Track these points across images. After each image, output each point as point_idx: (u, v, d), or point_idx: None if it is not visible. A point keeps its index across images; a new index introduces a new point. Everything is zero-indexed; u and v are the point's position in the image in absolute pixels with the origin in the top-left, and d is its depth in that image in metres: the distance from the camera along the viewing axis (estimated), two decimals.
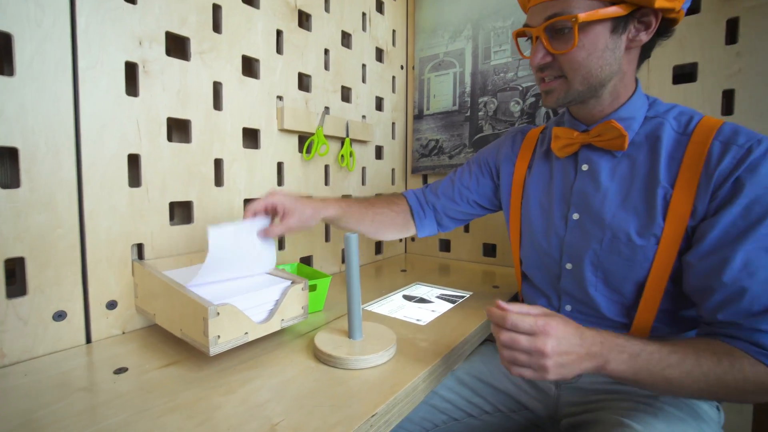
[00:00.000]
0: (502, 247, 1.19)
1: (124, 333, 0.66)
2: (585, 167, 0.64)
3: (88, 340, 0.62)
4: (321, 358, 0.57)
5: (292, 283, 0.64)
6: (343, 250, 1.10)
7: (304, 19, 0.98)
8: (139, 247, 0.68)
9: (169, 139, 0.71)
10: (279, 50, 0.90)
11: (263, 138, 0.87)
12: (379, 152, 1.26)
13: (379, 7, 1.22)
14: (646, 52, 0.60)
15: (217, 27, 0.77)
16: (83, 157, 0.60)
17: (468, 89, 1.19)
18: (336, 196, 1.07)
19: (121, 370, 0.54)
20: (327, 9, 1.02)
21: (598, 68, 0.57)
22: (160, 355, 0.59)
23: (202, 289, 0.60)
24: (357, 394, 0.48)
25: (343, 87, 1.09)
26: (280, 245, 0.93)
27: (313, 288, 0.75)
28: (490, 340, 0.80)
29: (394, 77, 1.29)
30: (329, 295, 0.85)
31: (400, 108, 1.33)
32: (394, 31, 1.28)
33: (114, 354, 0.59)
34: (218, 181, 0.79)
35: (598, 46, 0.55)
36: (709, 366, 0.47)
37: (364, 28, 1.15)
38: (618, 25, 0.55)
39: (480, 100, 1.17)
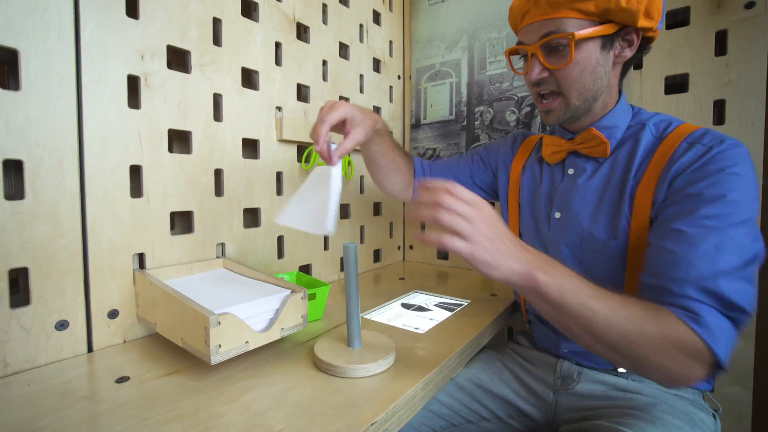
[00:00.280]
0: None
1: (125, 342, 0.67)
2: (571, 171, 0.68)
3: (90, 349, 0.63)
4: (320, 366, 0.58)
5: (291, 292, 0.65)
6: (341, 259, 1.11)
7: (302, 31, 0.99)
8: (141, 257, 0.69)
9: (170, 150, 0.72)
10: (278, 62, 0.92)
11: (262, 148, 0.88)
12: None
13: (376, 19, 1.24)
14: (627, 67, 0.65)
15: (217, 40, 0.79)
16: (86, 169, 0.61)
17: (464, 99, 1.21)
18: None
19: (122, 379, 0.54)
20: (325, 21, 1.04)
21: (590, 82, 0.61)
22: (161, 363, 0.59)
23: (202, 297, 0.61)
24: (356, 402, 0.49)
25: (341, 97, 1.10)
26: (279, 254, 0.94)
27: (312, 297, 0.76)
28: (489, 346, 0.80)
29: (391, 87, 1.31)
30: (328, 303, 0.86)
31: (398, 117, 1.35)
32: (391, 41, 1.30)
33: (115, 363, 0.59)
34: (218, 190, 0.80)
35: (590, 61, 0.59)
36: (635, 311, 0.46)
37: (361, 40, 1.17)
38: (607, 42, 0.59)
39: (476, 109, 1.19)
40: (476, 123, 1.19)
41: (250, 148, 0.88)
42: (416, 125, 1.32)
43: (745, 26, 0.82)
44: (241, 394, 0.50)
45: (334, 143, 0.65)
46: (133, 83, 0.67)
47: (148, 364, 0.59)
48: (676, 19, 0.91)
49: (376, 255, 1.28)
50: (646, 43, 0.62)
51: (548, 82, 0.62)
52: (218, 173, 0.80)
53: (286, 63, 0.93)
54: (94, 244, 0.62)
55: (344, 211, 1.14)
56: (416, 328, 0.74)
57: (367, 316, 0.80)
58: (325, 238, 1.07)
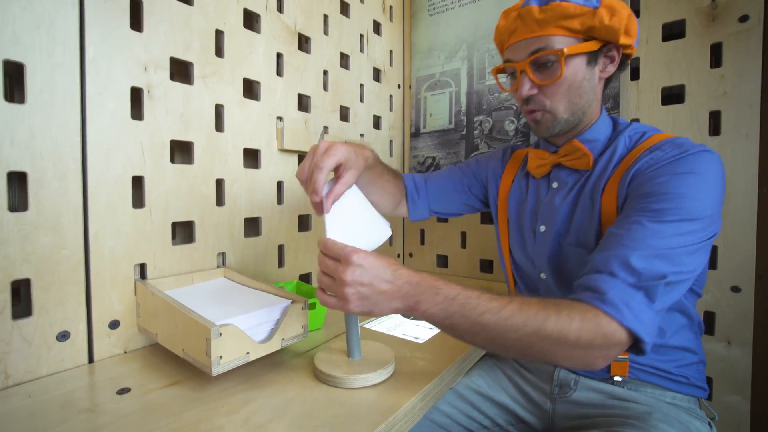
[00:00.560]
0: (499, 263, 1.20)
1: (126, 352, 0.67)
2: (555, 185, 0.70)
3: (91, 359, 0.63)
4: (320, 377, 0.58)
5: (292, 302, 0.65)
6: None
7: (303, 42, 1.01)
8: (142, 267, 0.69)
9: (172, 160, 0.73)
10: (279, 72, 0.93)
11: (263, 158, 0.89)
12: None
13: (377, 29, 1.25)
14: (608, 82, 0.68)
15: (219, 51, 0.80)
16: (89, 180, 0.61)
17: (464, 108, 1.22)
18: None
19: (123, 391, 0.54)
20: (326, 32, 1.05)
21: (578, 97, 0.63)
22: (161, 374, 0.59)
23: (203, 307, 0.61)
24: (356, 414, 0.49)
25: (341, 106, 1.11)
26: (280, 263, 0.94)
27: (312, 306, 0.76)
28: (488, 354, 0.81)
29: (391, 96, 1.32)
30: (328, 312, 0.86)
31: (398, 126, 1.36)
32: (391, 51, 1.31)
33: (116, 374, 0.59)
34: (219, 200, 0.81)
35: (577, 77, 0.62)
36: (531, 313, 0.45)
37: (362, 50, 1.19)
38: (591, 58, 0.62)
39: (475, 119, 1.20)
40: (475, 132, 1.20)
41: (251, 157, 0.88)
42: (416, 134, 1.33)
43: (739, 39, 0.84)
44: (242, 406, 0.51)
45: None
46: (137, 95, 0.67)
47: (148, 375, 0.59)
48: (672, 31, 0.93)
49: None
50: (625, 59, 0.65)
51: (537, 99, 0.63)
52: (219, 183, 0.80)
53: (287, 73, 0.94)
54: (96, 254, 0.62)
55: None
56: (416, 338, 0.74)
57: (367, 326, 0.80)
58: None
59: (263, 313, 0.61)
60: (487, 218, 1.21)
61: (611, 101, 0.97)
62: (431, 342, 0.72)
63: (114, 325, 0.65)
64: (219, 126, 0.80)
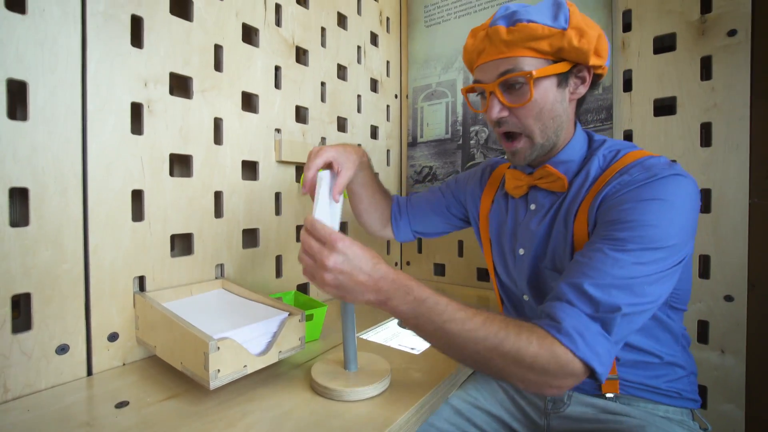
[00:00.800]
0: None
1: (124, 364, 0.67)
2: (533, 206, 0.69)
3: (89, 372, 0.63)
4: (317, 390, 0.58)
5: (289, 314, 0.66)
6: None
7: (301, 54, 1.02)
8: (141, 279, 0.70)
9: (171, 173, 0.73)
10: (277, 85, 0.94)
11: (261, 170, 0.90)
12: None
13: (374, 40, 1.27)
14: (581, 103, 0.67)
15: (218, 65, 0.81)
16: (89, 195, 0.62)
17: (460, 118, 1.24)
18: None
19: (122, 404, 0.55)
20: (323, 44, 1.07)
21: (550, 120, 0.62)
22: (160, 387, 0.60)
23: (201, 320, 0.62)
24: (353, 427, 0.49)
25: (339, 117, 1.12)
26: (277, 273, 0.95)
27: (309, 317, 0.77)
28: None
29: (388, 106, 1.33)
30: (326, 322, 0.86)
31: (395, 136, 1.37)
32: (388, 62, 1.33)
33: (115, 387, 0.60)
34: (218, 212, 0.81)
35: (548, 99, 0.60)
36: (492, 330, 0.47)
37: (359, 61, 1.20)
38: (562, 80, 0.61)
39: (471, 129, 1.21)
40: (471, 142, 1.21)
41: (250, 169, 0.89)
42: (413, 143, 1.35)
43: (728, 53, 0.85)
44: (240, 419, 0.51)
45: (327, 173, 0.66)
46: (137, 110, 0.69)
47: (147, 388, 0.60)
48: (664, 44, 0.94)
49: None
50: (596, 79, 0.64)
51: (508, 122, 0.62)
52: (218, 195, 0.81)
53: (285, 86, 0.95)
54: (95, 268, 0.63)
55: (342, 228, 1.15)
56: (412, 349, 0.75)
57: (364, 336, 0.81)
58: None
59: (261, 326, 0.62)
60: None
61: (604, 112, 0.99)
62: (427, 353, 0.73)
63: (113, 337, 0.66)
64: (218, 139, 0.81)
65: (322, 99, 1.07)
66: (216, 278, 0.81)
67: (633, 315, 0.48)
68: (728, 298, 0.87)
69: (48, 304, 0.58)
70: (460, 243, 1.27)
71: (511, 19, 0.59)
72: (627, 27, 0.98)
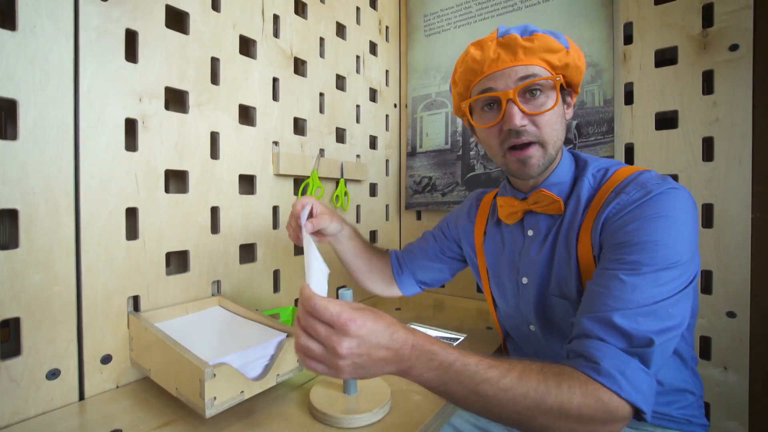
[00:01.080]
0: None
1: (118, 387, 0.66)
2: (530, 233, 0.67)
3: (81, 396, 0.61)
4: (316, 415, 0.57)
5: (287, 335, 0.64)
6: (337, 290, 1.11)
7: (299, 65, 1.01)
8: (135, 299, 0.68)
9: (167, 190, 0.72)
10: (275, 97, 0.92)
11: (259, 183, 0.88)
12: (373, 189, 1.28)
13: (373, 49, 1.26)
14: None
15: (215, 78, 0.80)
16: (82, 214, 0.61)
17: (459, 129, 1.23)
18: None
19: None
20: (322, 54, 1.06)
21: (561, 131, 0.62)
22: (154, 413, 0.58)
23: (196, 342, 0.60)
24: None
25: (337, 128, 1.11)
26: (275, 288, 0.93)
27: None
28: None
29: (387, 116, 1.32)
30: None
31: (394, 145, 1.36)
32: (387, 71, 1.32)
33: (107, 413, 0.58)
34: (214, 228, 0.80)
35: (557, 111, 0.60)
36: (531, 385, 0.43)
37: (358, 71, 1.19)
38: (563, 95, 0.62)
39: (471, 139, 1.20)
40: (471, 153, 1.20)
41: (247, 183, 0.88)
42: (412, 153, 1.33)
43: (730, 67, 0.85)
44: None
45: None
46: (131, 126, 0.67)
47: (141, 414, 0.58)
48: (665, 57, 0.94)
49: None
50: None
51: (528, 132, 0.59)
52: (214, 211, 0.80)
53: (283, 97, 0.94)
54: (88, 289, 0.61)
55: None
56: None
57: None
58: None
59: (258, 349, 0.60)
60: None
61: (606, 125, 0.98)
62: None
63: (106, 360, 0.64)
64: (214, 153, 0.80)
65: (321, 110, 1.06)
66: (212, 295, 0.80)
67: (666, 342, 0.47)
68: (731, 314, 0.86)
69: (38, 328, 0.57)
70: None
71: (527, 30, 0.59)
72: (628, 39, 0.97)
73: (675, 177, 0.91)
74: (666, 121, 0.94)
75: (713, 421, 0.87)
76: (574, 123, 1.02)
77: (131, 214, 0.67)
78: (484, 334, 0.93)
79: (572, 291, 0.60)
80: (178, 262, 0.78)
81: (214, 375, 0.52)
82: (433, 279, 0.88)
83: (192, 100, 0.75)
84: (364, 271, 0.85)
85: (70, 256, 0.60)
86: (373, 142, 1.27)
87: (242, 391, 0.56)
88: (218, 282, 0.81)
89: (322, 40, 1.05)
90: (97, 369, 0.63)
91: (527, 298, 0.67)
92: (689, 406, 0.61)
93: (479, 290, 1.23)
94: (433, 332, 0.93)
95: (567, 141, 1.03)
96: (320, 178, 1.01)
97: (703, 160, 0.89)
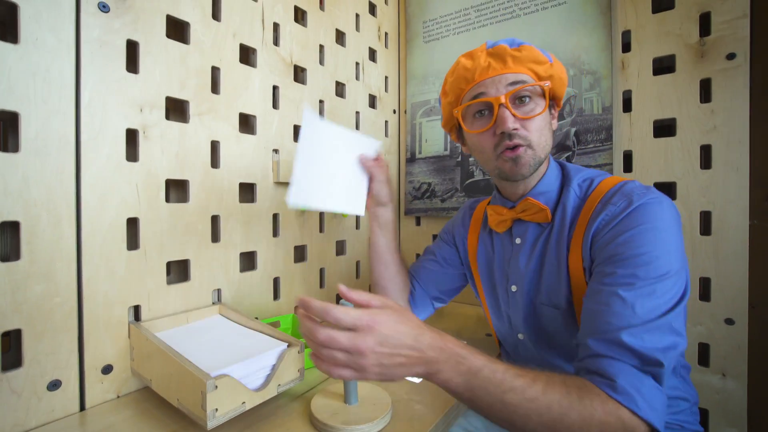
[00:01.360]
0: None
1: (119, 396, 0.66)
2: (518, 241, 0.69)
3: (82, 407, 0.61)
4: (317, 426, 0.57)
5: (288, 345, 0.64)
6: (337, 295, 1.11)
7: (299, 72, 1.01)
8: (136, 309, 0.68)
9: (167, 199, 0.72)
10: (275, 105, 0.93)
11: (259, 191, 0.88)
12: None
13: (372, 56, 1.27)
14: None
15: (215, 87, 0.80)
16: (83, 225, 0.61)
17: None
18: (329, 243, 1.09)
19: None
20: (321, 62, 1.06)
21: (548, 138, 0.64)
22: (155, 423, 0.58)
23: (197, 352, 0.60)
24: None
25: None
26: (275, 296, 0.94)
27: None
28: None
29: (386, 122, 1.33)
30: None
31: (393, 151, 1.37)
32: (386, 77, 1.32)
33: (108, 424, 0.58)
34: (215, 237, 0.80)
35: (545, 118, 0.63)
36: (555, 398, 0.44)
37: (357, 77, 1.19)
38: (549, 105, 0.64)
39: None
40: (470, 159, 1.21)
41: (247, 191, 0.88)
42: (411, 159, 1.34)
43: (727, 76, 0.85)
44: None
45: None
46: (132, 136, 0.67)
47: (141, 424, 0.58)
48: (663, 65, 0.94)
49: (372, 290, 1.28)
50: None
51: (519, 135, 0.61)
52: (215, 219, 0.80)
53: (283, 105, 0.94)
54: (89, 300, 0.62)
55: (340, 247, 1.14)
56: (413, 378, 0.74)
57: None
58: (321, 278, 1.07)
59: (259, 360, 0.61)
60: None
61: (604, 133, 0.99)
62: (428, 383, 0.72)
63: (107, 370, 0.64)
64: (215, 162, 0.80)
65: (321, 117, 1.06)
66: (213, 303, 0.80)
67: (673, 357, 0.48)
68: (729, 321, 0.86)
69: (39, 339, 0.57)
70: None
71: (514, 42, 0.63)
72: (626, 47, 0.98)
73: (673, 184, 0.92)
74: (664, 128, 0.95)
75: (712, 428, 0.88)
76: (573, 130, 1.03)
77: (132, 224, 0.67)
78: (483, 341, 0.93)
79: (562, 301, 0.61)
80: (178, 270, 0.79)
81: (216, 387, 0.52)
82: (445, 290, 0.85)
83: (192, 110, 0.75)
84: (393, 284, 0.80)
85: (71, 267, 0.60)
86: None
87: (244, 402, 0.56)
88: (219, 290, 0.81)
89: (321, 47, 1.06)
90: (98, 379, 0.63)
91: (516, 306, 0.68)
92: (682, 413, 0.61)
93: (476, 295, 1.23)
94: None
95: (566, 148, 1.03)
96: None
97: (701, 167, 0.89)
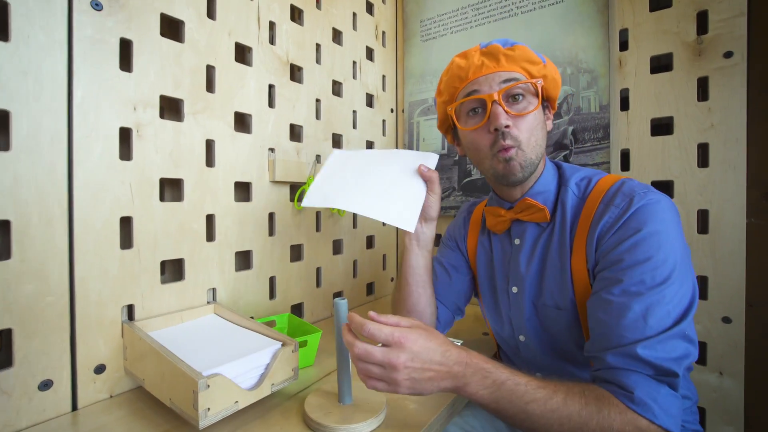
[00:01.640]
0: None
1: (111, 396, 0.65)
2: (517, 241, 0.69)
3: (74, 407, 0.61)
4: (311, 425, 0.57)
5: (282, 344, 0.64)
6: (334, 294, 1.11)
7: (295, 71, 1.01)
8: (130, 308, 0.68)
9: (162, 198, 0.72)
10: (271, 104, 0.92)
11: (255, 190, 0.88)
12: None
13: (369, 55, 1.26)
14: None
15: (210, 86, 0.80)
16: (75, 224, 0.60)
17: None
18: (326, 242, 1.09)
19: None
20: (318, 61, 1.06)
21: (541, 138, 0.64)
22: (148, 423, 0.58)
23: (191, 351, 0.60)
24: None
25: (334, 134, 1.11)
26: (271, 295, 0.93)
27: (303, 344, 0.75)
28: None
29: (384, 121, 1.32)
30: (321, 344, 0.85)
31: None
32: (384, 76, 1.32)
33: (101, 424, 0.58)
34: (210, 236, 0.80)
35: (538, 117, 0.63)
36: (575, 408, 0.46)
37: (354, 76, 1.19)
38: (543, 105, 0.65)
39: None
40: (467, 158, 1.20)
41: (243, 190, 0.88)
42: None
43: (725, 74, 0.85)
44: None
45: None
46: (125, 135, 0.67)
47: (134, 424, 0.58)
48: (660, 63, 0.94)
49: (369, 288, 1.28)
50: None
51: (510, 135, 0.60)
52: (210, 218, 0.80)
53: (279, 104, 0.94)
54: (81, 299, 0.61)
55: (337, 246, 1.14)
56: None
57: None
58: (318, 277, 1.07)
59: (252, 359, 0.60)
60: None
61: (602, 131, 0.98)
62: None
63: (99, 369, 0.64)
64: (210, 161, 0.79)
65: (317, 116, 1.06)
66: (208, 303, 0.79)
67: (687, 365, 0.49)
68: (726, 320, 0.86)
69: (31, 339, 0.56)
70: None
71: (508, 42, 0.63)
72: (624, 46, 0.98)
73: (671, 183, 0.91)
74: (661, 127, 0.95)
75: (709, 427, 0.87)
76: (570, 129, 1.02)
77: (126, 222, 0.67)
78: (480, 340, 0.93)
79: (566, 302, 0.61)
80: (173, 270, 0.78)
81: (208, 386, 0.52)
82: (462, 300, 0.82)
83: (187, 108, 0.75)
84: (422, 306, 0.73)
85: (64, 266, 0.59)
86: (369, 148, 1.27)
87: (236, 401, 0.56)
88: (213, 290, 0.81)
89: (318, 46, 1.05)
90: (91, 379, 0.63)
91: (518, 308, 0.67)
92: (684, 411, 0.61)
93: (475, 295, 1.23)
94: None
95: (563, 147, 1.03)
96: None
97: (698, 166, 0.89)
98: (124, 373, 0.67)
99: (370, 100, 1.27)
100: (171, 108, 0.76)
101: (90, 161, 0.62)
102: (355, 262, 1.19)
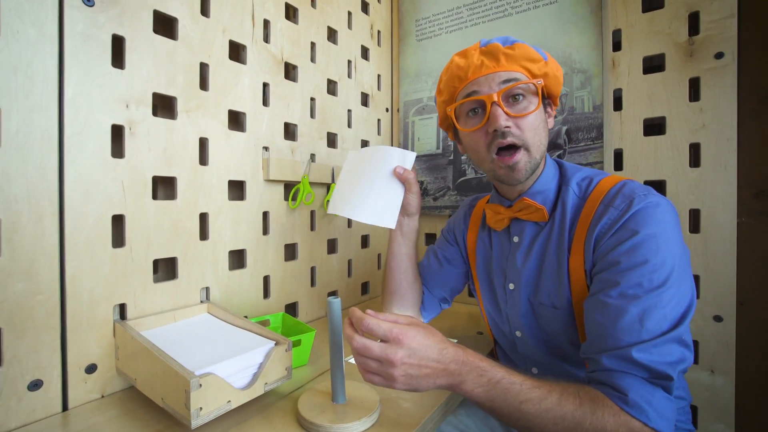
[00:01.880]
0: None
1: (103, 396, 0.65)
2: (516, 239, 0.69)
3: (65, 407, 0.60)
4: (304, 425, 0.57)
5: (276, 344, 0.64)
6: (329, 293, 1.10)
7: (290, 70, 1.01)
8: (122, 307, 0.67)
9: (154, 197, 0.71)
10: (265, 102, 0.92)
11: (249, 189, 0.88)
12: None
13: (365, 54, 1.26)
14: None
15: (204, 84, 0.79)
16: (66, 222, 0.60)
17: None
18: (320, 241, 1.08)
19: None
20: (313, 59, 1.06)
21: (544, 137, 0.63)
22: (140, 424, 0.57)
23: (183, 350, 0.60)
24: None
25: (328, 133, 1.11)
26: (265, 294, 0.93)
27: (297, 343, 0.75)
28: None
29: (379, 120, 1.32)
30: (315, 343, 0.84)
31: None
32: (379, 75, 1.32)
33: (92, 424, 0.57)
34: (203, 234, 0.79)
35: (539, 116, 0.62)
36: (569, 409, 0.47)
37: (349, 75, 1.19)
38: (544, 104, 0.64)
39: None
40: (462, 158, 1.21)
41: (236, 189, 0.87)
42: None
43: (716, 75, 0.86)
44: None
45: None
46: (118, 132, 0.66)
47: (126, 424, 0.57)
48: (653, 63, 0.95)
49: (364, 287, 1.27)
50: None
51: (512, 134, 0.60)
52: (203, 217, 0.79)
53: (274, 103, 0.93)
54: (72, 298, 0.61)
55: (332, 245, 1.14)
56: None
57: (353, 361, 0.79)
58: (312, 276, 1.06)
59: (245, 358, 0.60)
60: None
61: (595, 131, 0.99)
62: None
63: (91, 369, 0.63)
64: (203, 159, 0.79)
65: (312, 115, 1.06)
66: (201, 302, 0.79)
67: (681, 370, 0.49)
68: (717, 319, 0.87)
69: (20, 338, 0.56)
70: None
71: (508, 40, 0.62)
72: (617, 46, 0.98)
73: (663, 183, 0.92)
74: (654, 127, 0.95)
75: (701, 424, 0.88)
76: (564, 129, 1.03)
77: (118, 221, 0.67)
78: (475, 338, 0.93)
79: (562, 301, 0.61)
80: (166, 269, 0.78)
81: (200, 385, 0.52)
82: (450, 291, 0.85)
83: (180, 106, 0.74)
84: (411, 294, 0.79)
85: (54, 264, 0.59)
86: (364, 147, 1.27)
87: (229, 401, 0.56)
88: (207, 289, 0.80)
89: (313, 44, 1.05)
90: (82, 379, 0.62)
91: (514, 304, 0.67)
92: (678, 411, 0.62)
93: (470, 294, 1.23)
94: None
95: (557, 146, 1.04)
96: (311, 183, 1.01)
97: (690, 165, 0.90)
98: (115, 372, 0.66)
99: (365, 99, 1.27)
100: (164, 106, 0.75)
101: (81, 159, 0.61)
102: (349, 262, 1.19)
